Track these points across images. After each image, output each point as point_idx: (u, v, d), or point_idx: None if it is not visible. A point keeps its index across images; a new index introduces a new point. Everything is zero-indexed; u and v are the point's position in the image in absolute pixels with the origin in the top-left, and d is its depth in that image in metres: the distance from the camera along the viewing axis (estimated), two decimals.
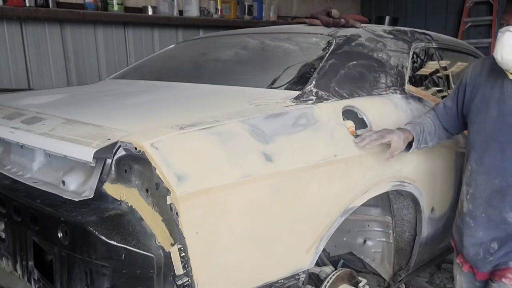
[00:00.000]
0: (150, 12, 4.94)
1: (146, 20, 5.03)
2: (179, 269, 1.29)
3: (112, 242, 1.30)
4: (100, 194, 1.42)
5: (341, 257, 2.27)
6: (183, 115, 1.54)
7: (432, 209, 2.10)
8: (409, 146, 1.82)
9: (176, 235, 1.29)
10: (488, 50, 5.80)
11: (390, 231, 2.16)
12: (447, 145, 2.13)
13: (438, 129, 1.90)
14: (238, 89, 1.96)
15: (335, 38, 2.10)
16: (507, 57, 1.53)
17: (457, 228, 1.86)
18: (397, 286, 2.30)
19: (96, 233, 1.30)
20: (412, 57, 2.28)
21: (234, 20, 5.66)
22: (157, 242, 1.33)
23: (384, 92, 2.01)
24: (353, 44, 2.08)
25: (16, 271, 1.64)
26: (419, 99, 2.16)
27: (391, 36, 2.26)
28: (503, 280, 1.70)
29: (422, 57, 2.39)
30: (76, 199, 1.41)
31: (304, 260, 1.58)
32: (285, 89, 1.85)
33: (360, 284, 1.86)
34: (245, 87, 1.96)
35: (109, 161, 1.40)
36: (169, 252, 1.29)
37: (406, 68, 2.18)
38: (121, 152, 1.37)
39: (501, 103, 1.66)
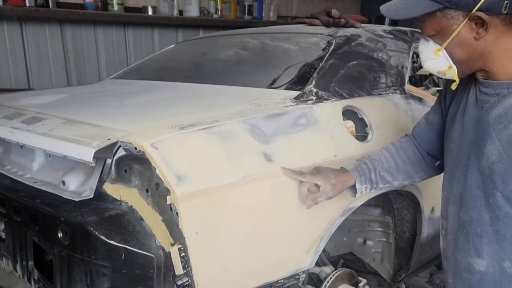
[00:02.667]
0: (150, 12, 4.94)
1: (146, 20, 5.04)
2: (179, 269, 1.29)
3: (112, 242, 1.30)
4: (100, 194, 1.42)
5: (341, 257, 2.26)
6: (183, 115, 1.54)
7: (432, 209, 2.09)
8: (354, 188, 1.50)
9: (176, 235, 1.29)
10: None
11: (390, 231, 2.15)
12: None
13: (406, 162, 1.53)
14: (238, 89, 1.96)
15: (335, 38, 2.10)
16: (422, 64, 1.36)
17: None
18: (397, 286, 2.29)
19: (96, 233, 1.30)
20: (412, 57, 2.28)
21: (234, 20, 5.67)
22: (157, 242, 1.33)
23: (384, 92, 2.01)
24: (353, 44, 2.08)
25: (16, 271, 1.64)
26: (419, 99, 2.16)
27: (391, 36, 2.26)
28: None
29: None
30: (76, 199, 1.41)
31: (304, 260, 1.58)
32: (285, 89, 1.85)
33: (360, 284, 1.85)
34: (245, 87, 1.96)
35: (109, 161, 1.40)
36: (169, 252, 1.29)
37: (406, 68, 2.18)
38: (121, 152, 1.37)
39: (464, 114, 1.33)
